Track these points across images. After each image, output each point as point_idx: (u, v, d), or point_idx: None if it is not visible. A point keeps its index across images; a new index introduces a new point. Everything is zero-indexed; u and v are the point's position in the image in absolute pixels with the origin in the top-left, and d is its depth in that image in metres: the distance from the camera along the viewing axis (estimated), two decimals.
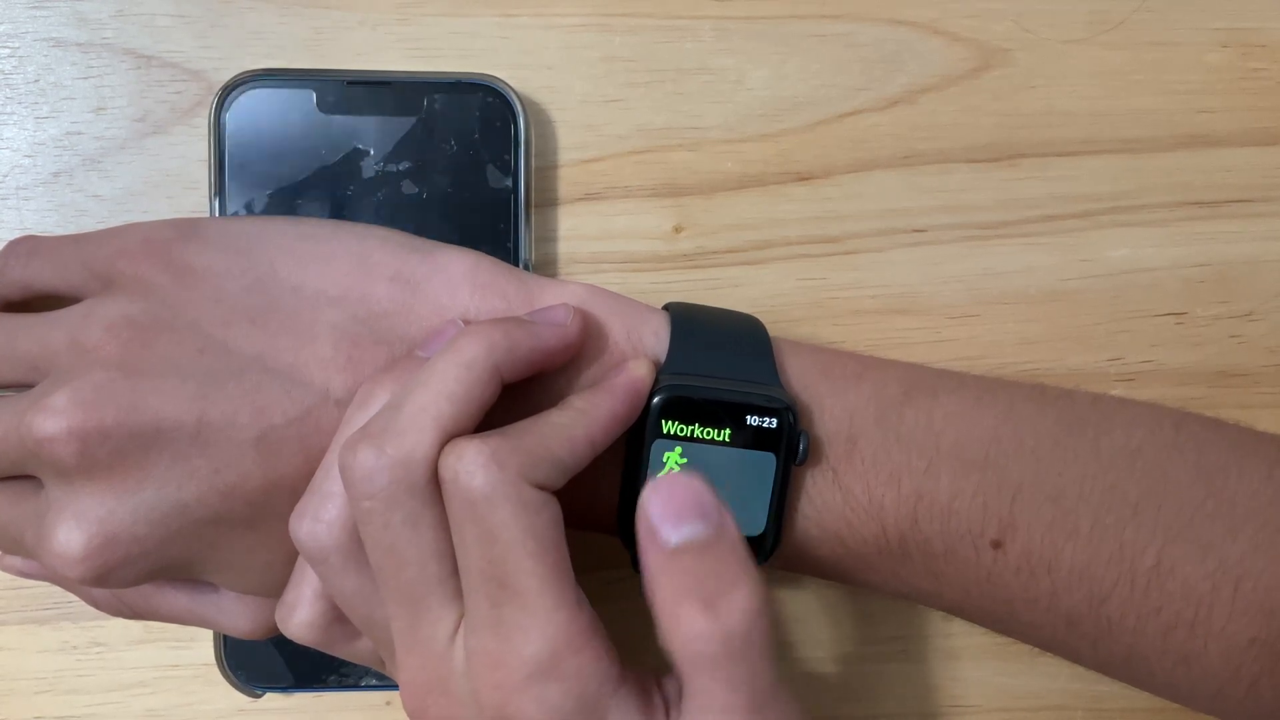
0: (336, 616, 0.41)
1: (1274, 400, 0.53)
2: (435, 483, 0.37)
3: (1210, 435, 0.44)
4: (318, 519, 0.39)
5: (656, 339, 0.43)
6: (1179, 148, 0.52)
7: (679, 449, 0.41)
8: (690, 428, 0.41)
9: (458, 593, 0.38)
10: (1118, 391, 0.52)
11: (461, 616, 0.38)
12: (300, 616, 0.41)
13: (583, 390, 0.41)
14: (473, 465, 0.36)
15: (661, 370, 0.41)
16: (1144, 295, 0.52)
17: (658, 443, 0.41)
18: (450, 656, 0.39)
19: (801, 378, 0.43)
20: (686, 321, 0.43)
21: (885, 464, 0.42)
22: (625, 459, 0.41)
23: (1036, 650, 0.46)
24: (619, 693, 0.37)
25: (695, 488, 0.37)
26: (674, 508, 0.37)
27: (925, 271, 0.52)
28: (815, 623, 0.53)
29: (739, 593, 0.36)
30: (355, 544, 0.39)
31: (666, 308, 0.44)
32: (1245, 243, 0.53)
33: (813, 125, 0.51)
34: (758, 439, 0.41)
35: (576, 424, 0.39)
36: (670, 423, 0.41)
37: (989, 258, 0.52)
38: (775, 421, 0.41)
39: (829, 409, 0.43)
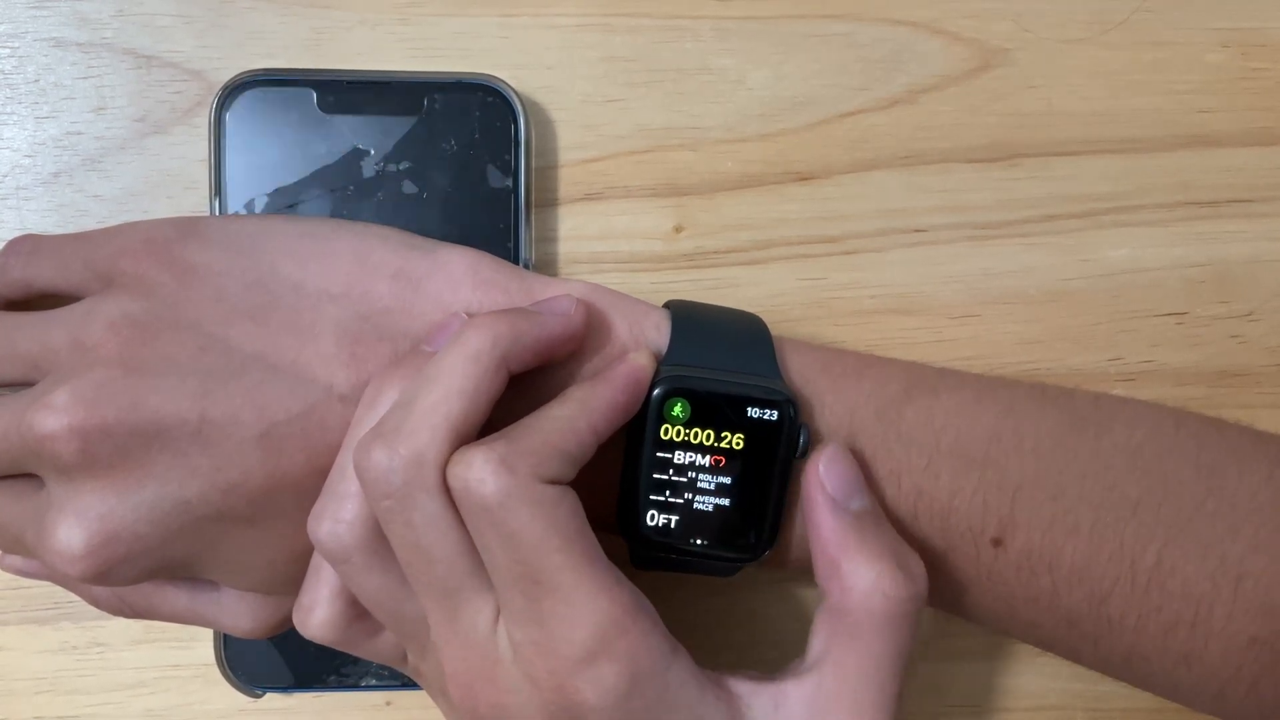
0: (355, 615, 0.41)
1: (1274, 400, 0.53)
2: None
3: (1211, 435, 0.44)
4: (338, 519, 0.39)
5: (658, 333, 0.43)
6: (1179, 148, 0.52)
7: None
8: (690, 419, 0.41)
9: (491, 582, 0.39)
10: (1118, 391, 0.52)
11: (499, 604, 0.39)
12: (319, 616, 0.41)
13: (583, 382, 0.41)
14: (482, 473, 0.37)
15: (662, 362, 0.41)
16: (1144, 295, 0.52)
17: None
18: (494, 645, 0.39)
19: (802, 374, 0.43)
20: (687, 316, 0.43)
21: (885, 461, 0.42)
22: (625, 452, 0.41)
23: (1037, 650, 0.46)
24: (673, 666, 0.38)
25: (854, 463, 0.41)
26: (848, 480, 0.41)
27: (925, 271, 0.52)
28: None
29: (918, 563, 0.40)
30: (377, 542, 0.39)
31: (667, 305, 0.44)
32: (1245, 243, 0.53)
33: (813, 125, 0.51)
34: (758, 431, 0.41)
35: (578, 415, 0.39)
36: (671, 414, 0.41)
37: (989, 258, 0.52)
38: (776, 414, 0.41)
39: (830, 405, 0.43)
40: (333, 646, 0.42)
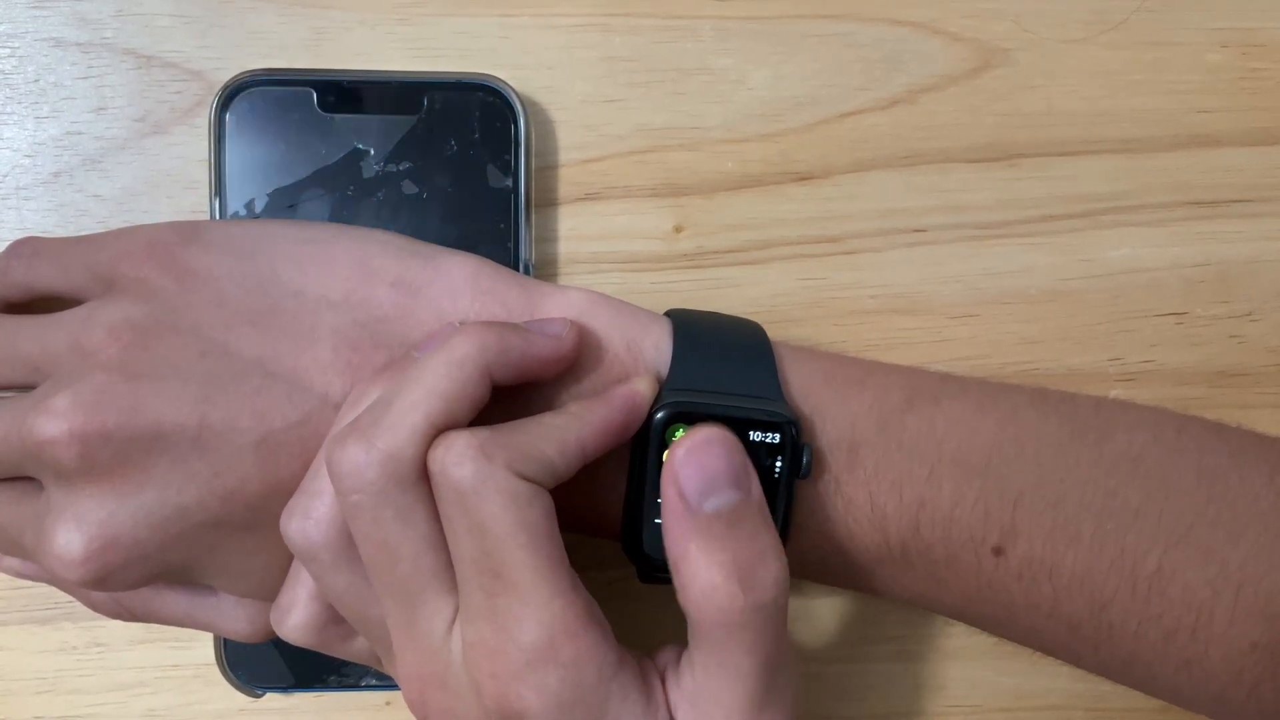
0: (332, 617, 0.41)
1: (1274, 400, 0.53)
2: (425, 477, 0.37)
3: (1212, 440, 0.44)
4: (307, 516, 0.39)
5: (657, 351, 0.42)
6: (1179, 148, 0.52)
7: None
8: None
9: (453, 585, 0.38)
10: (1117, 391, 0.52)
11: (457, 608, 0.39)
12: (295, 618, 0.41)
13: (582, 398, 0.41)
14: (461, 457, 0.36)
15: (664, 385, 0.41)
16: (1144, 295, 0.53)
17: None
18: (448, 649, 0.39)
19: (804, 387, 0.43)
20: (688, 333, 0.43)
21: (887, 472, 0.42)
22: (629, 474, 0.41)
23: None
24: (618, 677, 0.38)
25: (730, 448, 0.38)
26: (709, 471, 0.38)
27: (925, 271, 0.52)
28: (815, 622, 0.53)
29: (770, 566, 0.37)
30: (346, 541, 0.39)
31: (669, 314, 0.44)
32: (1245, 243, 0.53)
33: (813, 125, 0.51)
34: (760, 453, 0.41)
35: (569, 427, 0.39)
36: (672, 439, 0.40)
37: (989, 258, 0.52)
38: (778, 436, 0.40)
39: (831, 418, 0.43)
40: (310, 648, 0.42)
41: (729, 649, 0.37)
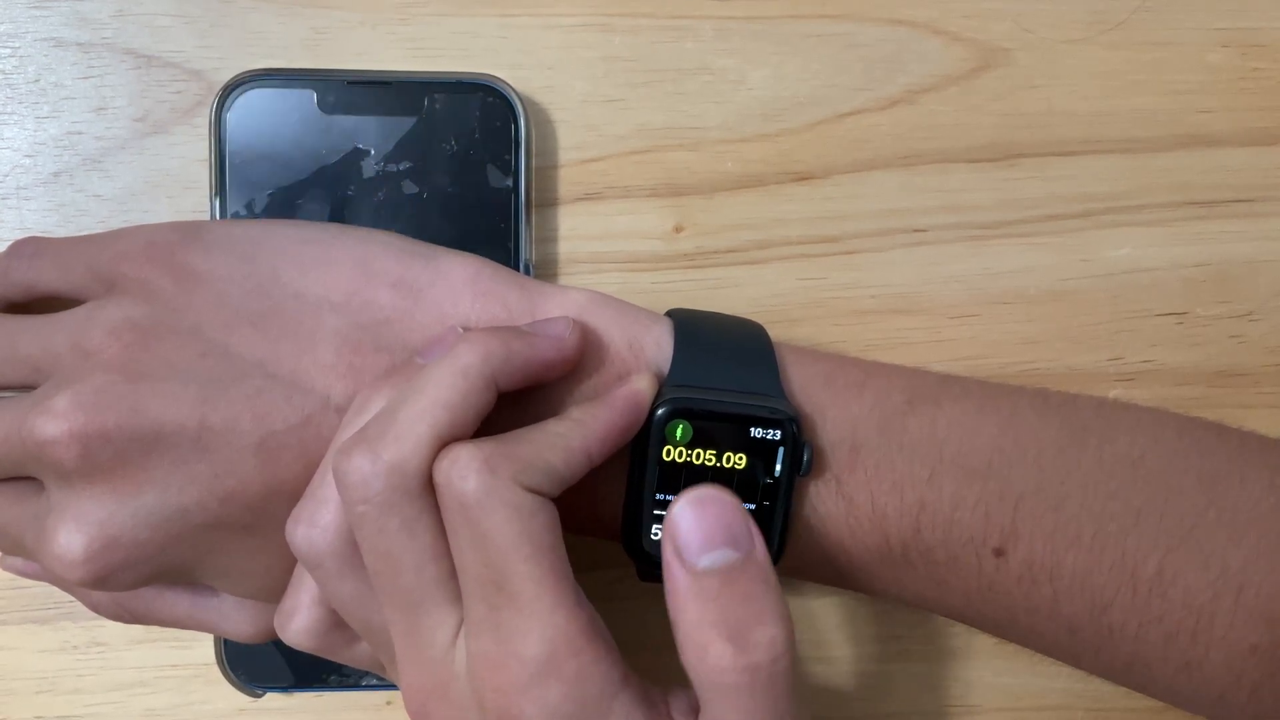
0: (335, 622, 0.41)
1: (1274, 400, 0.53)
2: (430, 487, 0.37)
3: (1213, 442, 0.44)
4: (313, 524, 0.39)
5: (658, 349, 0.42)
6: (1179, 148, 0.52)
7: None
8: (693, 440, 0.41)
9: (457, 596, 0.38)
10: (1117, 391, 0.52)
11: (461, 620, 0.38)
12: (298, 623, 0.41)
13: (583, 401, 0.41)
14: (466, 469, 0.36)
15: (665, 382, 0.41)
16: (1144, 295, 0.53)
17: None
18: (450, 660, 0.39)
19: (805, 387, 0.43)
20: (689, 331, 0.43)
21: (888, 473, 0.42)
22: (629, 471, 0.41)
23: None
24: (621, 696, 0.37)
25: (728, 507, 0.38)
26: (705, 528, 0.37)
27: (925, 271, 0.52)
28: (816, 623, 0.53)
29: (767, 628, 0.36)
30: (351, 549, 0.39)
31: (670, 314, 0.44)
32: (1245, 243, 0.53)
33: (813, 125, 0.51)
34: (761, 450, 0.41)
35: (573, 434, 0.39)
36: (673, 435, 0.40)
37: (989, 258, 0.52)
38: (779, 433, 0.40)
39: (832, 419, 0.42)
40: (312, 653, 0.42)
41: (726, 713, 0.37)
